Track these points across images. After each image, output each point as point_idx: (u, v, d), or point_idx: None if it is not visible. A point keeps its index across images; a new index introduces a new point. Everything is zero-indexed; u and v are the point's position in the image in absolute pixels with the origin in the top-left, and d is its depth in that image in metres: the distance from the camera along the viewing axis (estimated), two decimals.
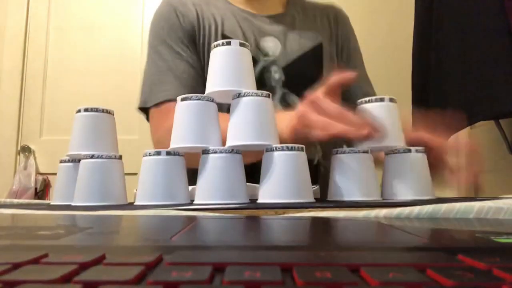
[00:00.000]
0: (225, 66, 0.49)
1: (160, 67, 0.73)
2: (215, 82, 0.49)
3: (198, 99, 0.47)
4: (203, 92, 0.50)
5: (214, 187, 0.44)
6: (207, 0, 0.80)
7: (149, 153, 0.47)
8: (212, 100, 0.49)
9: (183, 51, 0.74)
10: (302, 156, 0.45)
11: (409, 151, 0.49)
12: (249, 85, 0.49)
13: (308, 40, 0.79)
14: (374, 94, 0.81)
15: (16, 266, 0.12)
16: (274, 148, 0.45)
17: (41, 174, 1.67)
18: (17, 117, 1.73)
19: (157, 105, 0.71)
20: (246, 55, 0.50)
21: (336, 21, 0.84)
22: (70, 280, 0.11)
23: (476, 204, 0.28)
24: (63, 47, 1.76)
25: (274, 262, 0.13)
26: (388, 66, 1.59)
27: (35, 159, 1.69)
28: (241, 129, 0.46)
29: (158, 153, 0.46)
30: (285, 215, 0.32)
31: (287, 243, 0.18)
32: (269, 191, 0.44)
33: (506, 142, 1.17)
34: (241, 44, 0.49)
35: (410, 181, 0.48)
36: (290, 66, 0.75)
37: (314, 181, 0.49)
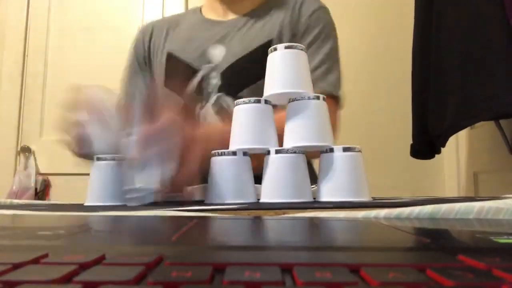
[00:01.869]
0: (283, 69, 0.50)
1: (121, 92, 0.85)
2: (273, 85, 0.50)
3: (256, 102, 0.49)
4: None
5: (279, 186, 0.46)
6: (174, 19, 0.88)
7: (218, 153, 0.48)
8: (269, 103, 0.51)
9: (134, 87, 0.84)
10: (359, 156, 0.48)
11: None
12: (307, 87, 0.51)
13: (256, 39, 0.77)
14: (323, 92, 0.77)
15: (16, 266, 0.12)
16: (332, 150, 0.47)
17: (41, 174, 1.67)
18: (17, 117, 1.73)
19: None
20: (303, 58, 0.51)
21: (299, 11, 0.79)
22: (70, 280, 0.11)
23: (476, 205, 0.28)
24: (63, 47, 1.76)
25: (274, 262, 0.13)
26: (388, 66, 1.59)
27: (35, 159, 1.69)
28: (300, 131, 0.48)
29: (229, 154, 0.47)
30: (285, 215, 0.32)
31: (287, 243, 0.18)
32: (328, 190, 0.47)
33: (506, 142, 1.17)
34: (300, 48, 0.50)
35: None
36: (227, 69, 0.76)
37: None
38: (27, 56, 1.77)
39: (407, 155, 1.27)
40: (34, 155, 1.69)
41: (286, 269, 0.12)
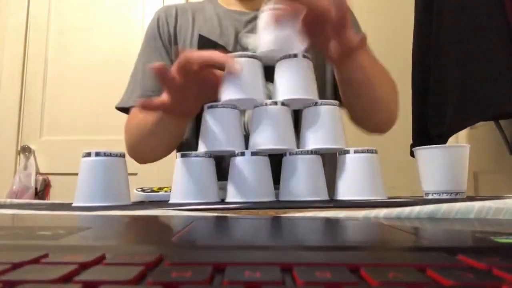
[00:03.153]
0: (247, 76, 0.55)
1: (136, 73, 0.83)
2: (235, 90, 0.53)
3: (222, 107, 0.53)
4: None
5: (245, 187, 0.49)
6: (195, 6, 0.87)
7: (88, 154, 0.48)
8: (236, 107, 0.54)
9: (160, 59, 0.81)
10: (319, 159, 0.52)
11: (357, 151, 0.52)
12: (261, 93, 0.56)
13: None
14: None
15: (16, 266, 0.12)
16: (294, 152, 0.51)
17: (41, 174, 1.67)
18: (17, 117, 1.73)
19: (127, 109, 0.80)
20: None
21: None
22: (70, 280, 0.11)
23: (476, 204, 0.28)
24: (63, 47, 1.76)
25: (274, 262, 0.13)
26: (388, 66, 1.58)
27: (35, 159, 1.69)
28: (263, 135, 0.52)
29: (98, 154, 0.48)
30: (285, 215, 0.32)
31: (287, 243, 0.18)
32: (290, 191, 0.50)
33: (506, 142, 1.17)
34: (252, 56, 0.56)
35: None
36: (267, 57, 0.79)
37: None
38: (27, 56, 1.77)
39: (407, 155, 1.27)
40: (34, 155, 1.69)
41: (286, 269, 0.12)
